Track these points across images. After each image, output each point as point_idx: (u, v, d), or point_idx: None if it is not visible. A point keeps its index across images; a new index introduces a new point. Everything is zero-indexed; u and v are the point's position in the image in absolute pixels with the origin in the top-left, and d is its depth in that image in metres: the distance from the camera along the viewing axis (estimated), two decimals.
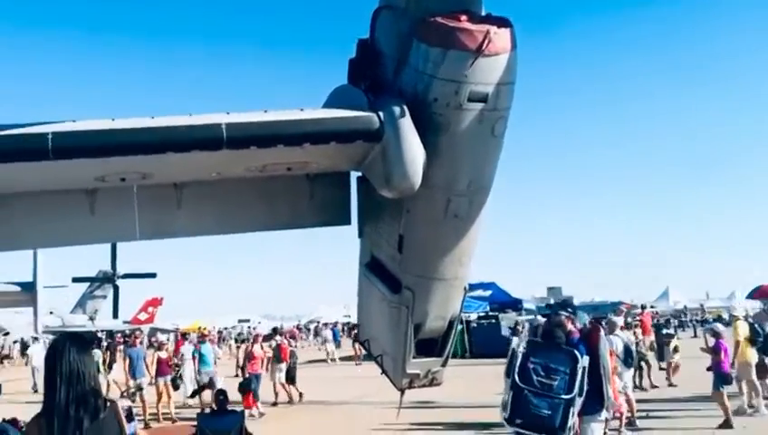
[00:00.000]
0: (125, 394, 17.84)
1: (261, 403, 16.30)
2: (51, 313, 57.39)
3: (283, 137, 5.83)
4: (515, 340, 6.68)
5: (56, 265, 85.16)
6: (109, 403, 3.39)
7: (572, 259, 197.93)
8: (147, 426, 14.20)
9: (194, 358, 18.25)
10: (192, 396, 16.49)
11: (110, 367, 21.59)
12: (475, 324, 35.05)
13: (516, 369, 6.39)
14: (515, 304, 37.36)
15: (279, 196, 7.17)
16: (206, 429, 8.64)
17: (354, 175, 7.03)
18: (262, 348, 17.86)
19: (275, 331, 22.06)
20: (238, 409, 9.64)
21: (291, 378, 19.01)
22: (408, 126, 5.65)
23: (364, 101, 5.98)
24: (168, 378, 16.20)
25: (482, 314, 36.31)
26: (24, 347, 47.82)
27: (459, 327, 28.62)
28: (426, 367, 7.33)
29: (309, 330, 65.59)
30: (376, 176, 6.20)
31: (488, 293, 36.84)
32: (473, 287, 36.69)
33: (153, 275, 47.98)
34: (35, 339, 29.58)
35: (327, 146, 5.91)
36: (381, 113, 5.77)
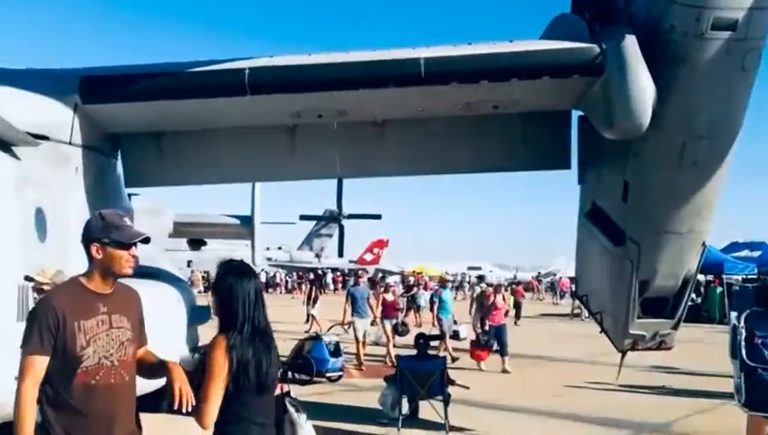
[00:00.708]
0: (313, 331, 18.93)
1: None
2: (279, 248, 63.47)
3: (486, 72, 5.92)
4: (733, 315, 6.20)
5: (286, 203, 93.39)
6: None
7: None
8: (359, 366, 15.09)
9: (433, 303, 18.82)
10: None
11: (314, 302, 23.33)
12: (738, 288, 32.66)
13: (742, 347, 5.99)
14: None
15: (487, 136, 7.29)
16: (406, 370, 9.14)
17: (575, 114, 6.97)
18: (504, 299, 17.65)
19: (480, 279, 22.42)
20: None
21: None
22: (635, 58, 5.48)
23: (585, 31, 5.88)
24: (394, 321, 16.90)
25: (748, 277, 33.73)
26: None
27: (718, 290, 26.56)
28: (652, 329, 7.17)
29: (540, 282, 65.36)
30: (597, 114, 6.11)
31: (757, 253, 34.02)
32: (738, 247, 34.22)
33: (378, 217, 50.69)
34: None
35: (538, 81, 5.90)
36: (604, 44, 5.65)
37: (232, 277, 3.60)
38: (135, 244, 3.44)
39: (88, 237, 3.43)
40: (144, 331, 3.66)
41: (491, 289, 18.49)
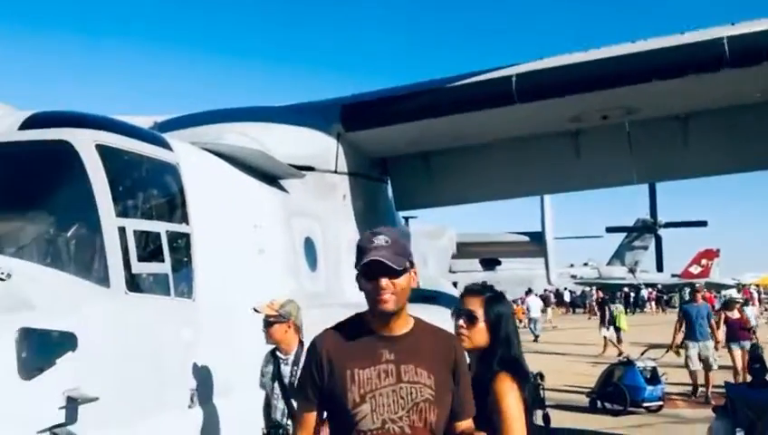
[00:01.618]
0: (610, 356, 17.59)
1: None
2: (586, 264, 61.91)
3: None
4: None
5: (587, 215, 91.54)
6: None
7: None
8: (691, 396, 13.85)
9: None
10: None
11: (609, 324, 21.54)
12: None
13: None
14: None
15: None
16: (738, 401, 8.31)
17: None
18: None
19: None
20: None
21: None
22: None
23: None
24: (747, 344, 14.97)
25: None
26: (559, 298, 52.91)
27: None
28: None
29: None
30: None
31: None
32: None
33: (703, 224, 47.58)
34: (529, 291, 32.69)
35: None
36: None
37: (502, 306, 3.41)
38: (377, 272, 2.67)
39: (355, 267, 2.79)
40: (468, 395, 2.92)
41: None
